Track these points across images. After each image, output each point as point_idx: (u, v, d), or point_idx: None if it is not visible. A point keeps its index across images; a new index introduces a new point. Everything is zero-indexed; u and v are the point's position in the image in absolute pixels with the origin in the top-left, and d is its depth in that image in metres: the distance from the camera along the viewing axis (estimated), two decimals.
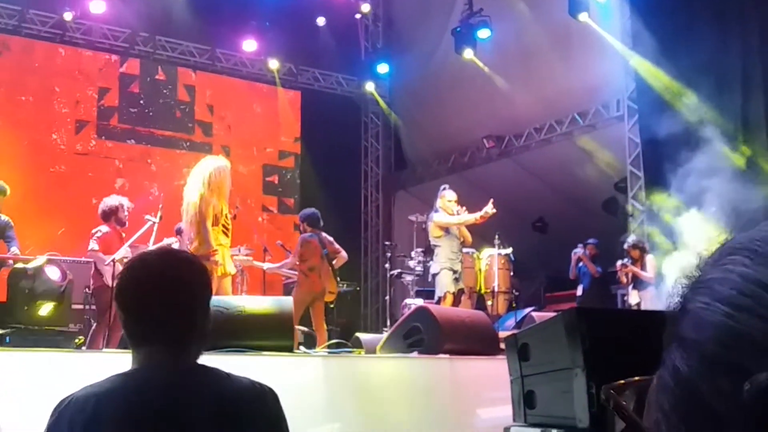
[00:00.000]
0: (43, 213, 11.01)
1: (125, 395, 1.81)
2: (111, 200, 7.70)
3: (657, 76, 9.81)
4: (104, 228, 7.58)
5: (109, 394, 1.80)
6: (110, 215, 7.58)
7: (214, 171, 6.77)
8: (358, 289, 12.28)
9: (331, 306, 8.85)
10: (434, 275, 8.40)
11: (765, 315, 0.55)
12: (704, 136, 8.66)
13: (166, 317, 1.86)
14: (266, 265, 8.85)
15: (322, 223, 8.68)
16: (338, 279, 8.52)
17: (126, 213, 7.56)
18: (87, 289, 7.07)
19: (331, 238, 8.78)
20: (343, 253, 8.58)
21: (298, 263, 8.37)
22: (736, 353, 0.55)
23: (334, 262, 8.46)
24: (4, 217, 7.27)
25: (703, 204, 9.13)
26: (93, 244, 7.41)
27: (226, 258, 6.81)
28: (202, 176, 6.77)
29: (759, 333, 0.55)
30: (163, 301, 1.86)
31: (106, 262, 7.05)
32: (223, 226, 6.84)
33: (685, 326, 0.60)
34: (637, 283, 8.95)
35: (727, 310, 0.57)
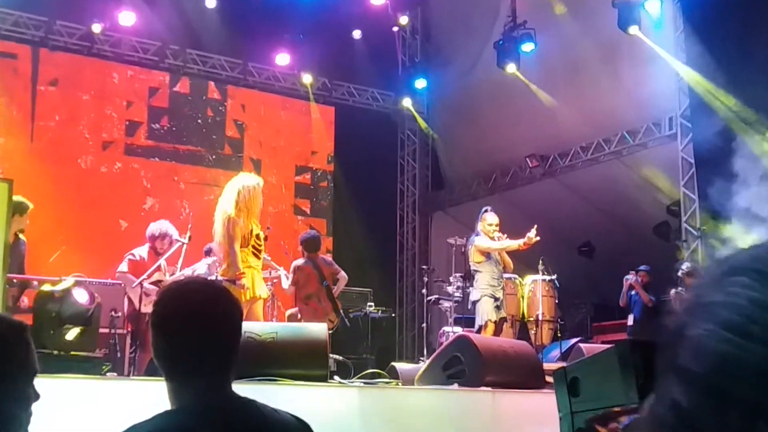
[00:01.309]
0: (71, 235, 11.21)
1: None
2: (159, 226, 7.84)
3: (712, 92, 9.74)
4: (142, 251, 7.74)
5: None
6: (153, 240, 7.75)
7: (243, 189, 6.84)
8: (393, 315, 12.25)
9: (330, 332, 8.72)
10: (474, 302, 8.37)
11: None
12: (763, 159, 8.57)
13: (212, 349, 1.89)
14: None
15: (319, 247, 8.56)
16: (338, 306, 8.29)
17: (166, 245, 7.69)
18: (113, 312, 7.19)
19: (329, 260, 8.69)
20: (343, 274, 8.42)
21: (295, 292, 8.24)
22: (745, 386, 0.52)
23: (334, 287, 8.32)
24: (23, 238, 7.45)
25: (762, 231, 9.01)
26: (123, 266, 7.56)
27: (256, 281, 6.85)
28: (231, 195, 6.85)
29: None
30: (209, 333, 1.90)
31: (134, 284, 7.16)
32: (253, 247, 6.89)
33: (684, 355, 0.57)
34: None
35: (733, 338, 0.54)
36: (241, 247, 6.78)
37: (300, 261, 8.29)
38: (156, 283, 7.26)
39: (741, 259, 0.58)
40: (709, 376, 0.54)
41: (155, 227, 7.91)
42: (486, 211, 8.67)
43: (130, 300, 7.39)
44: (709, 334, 0.55)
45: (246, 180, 7.04)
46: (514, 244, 8.33)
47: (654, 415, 0.59)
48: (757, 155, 8.62)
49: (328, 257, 8.86)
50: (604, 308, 11.36)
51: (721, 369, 0.54)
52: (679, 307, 0.61)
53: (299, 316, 8.13)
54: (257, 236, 6.94)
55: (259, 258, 6.99)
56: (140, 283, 7.04)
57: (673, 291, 8.96)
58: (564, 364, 6.61)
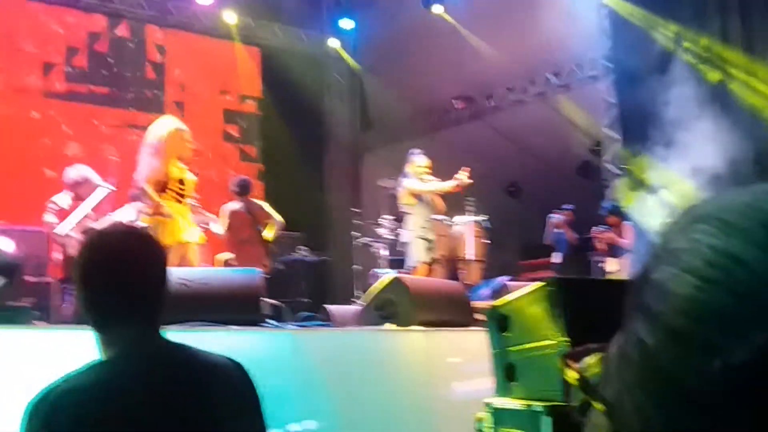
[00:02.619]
0: None
1: (111, 388, 1.82)
2: (78, 171, 7.59)
3: (631, 12, 9.87)
4: (63, 199, 7.49)
5: (94, 389, 1.81)
6: (75, 186, 7.51)
7: (161, 132, 6.71)
8: (326, 258, 12.28)
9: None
10: (405, 244, 8.45)
11: (735, 289, 0.55)
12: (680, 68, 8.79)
13: (137, 297, 1.89)
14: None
15: (251, 191, 8.45)
16: (271, 250, 8.25)
17: (88, 189, 7.47)
18: (40, 260, 7.02)
19: (261, 203, 8.55)
20: (277, 217, 8.32)
21: (229, 236, 8.14)
22: (705, 328, 0.56)
23: (264, 232, 8.23)
24: None
25: (680, 161, 9.32)
26: (47, 216, 7.33)
27: (180, 226, 6.73)
28: (149, 138, 6.72)
29: (729, 308, 0.55)
30: (133, 281, 1.89)
31: (62, 233, 6.98)
32: (176, 192, 6.75)
33: (650, 296, 0.59)
34: (615, 250, 9.11)
35: (696, 282, 0.57)
36: (159, 192, 6.65)
37: (234, 205, 8.20)
38: (85, 231, 7.09)
39: (706, 208, 0.61)
40: (672, 317, 0.57)
41: (74, 173, 7.63)
42: (414, 153, 8.69)
43: (64, 248, 7.18)
44: (672, 278, 0.58)
45: (165, 124, 6.88)
46: (446, 186, 8.39)
47: (621, 352, 0.62)
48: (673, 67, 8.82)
49: (262, 202, 8.76)
50: (531, 247, 11.61)
51: (682, 310, 0.57)
52: (649, 252, 0.63)
53: (234, 261, 8.07)
54: (180, 181, 6.79)
55: (181, 203, 6.84)
56: (67, 232, 6.86)
57: (596, 229, 9.21)
58: (494, 302, 6.76)
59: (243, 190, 8.29)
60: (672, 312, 0.57)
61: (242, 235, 8.11)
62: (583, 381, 1.78)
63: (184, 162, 6.88)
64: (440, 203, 8.66)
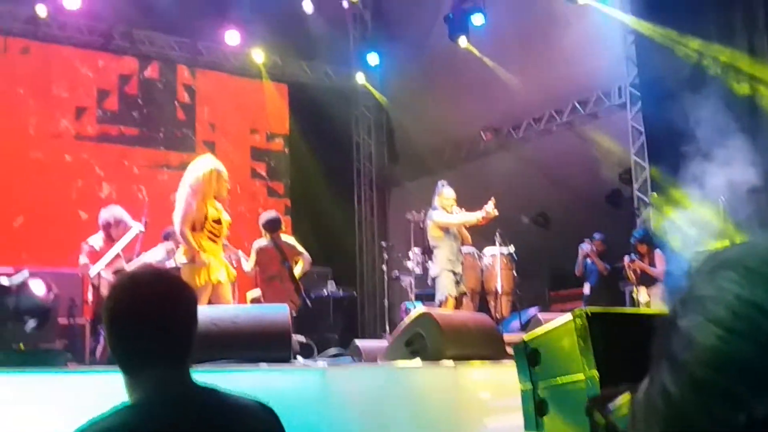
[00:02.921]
0: (30, 228, 10.99)
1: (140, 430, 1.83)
2: (112, 212, 7.73)
3: (675, 39, 9.83)
4: (96, 240, 7.62)
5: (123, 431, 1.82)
6: (108, 227, 7.64)
7: (198, 172, 6.80)
8: (355, 293, 12.28)
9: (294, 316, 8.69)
10: (434, 278, 8.41)
11: (760, 340, 0.55)
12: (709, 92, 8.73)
13: (166, 340, 1.89)
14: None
15: (280, 228, 8.49)
16: (300, 287, 8.21)
17: (121, 231, 7.59)
18: (72, 302, 7.10)
19: (291, 241, 8.61)
20: (306, 255, 8.36)
21: (258, 273, 8.18)
22: (729, 379, 0.55)
23: (295, 269, 8.26)
24: None
25: (710, 189, 9.22)
26: (82, 257, 7.44)
27: (212, 265, 6.80)
28: (186, 179, 6.81)
29: (753, 359, 0.54)
30: (162, 324, 1.89)
31: (92, 275, 7.08)
32: (209, 232, 6.84)
33: (676, 344, 0.59)
34: (646, 279, 8.99)
35: (720, 332, 0.56)
36: (194, 231, 6.73)
37: (262, 242, 8.23)
38: (118, 272, 7.18)
39: (732, 254, 0.61)
40: (696, 367, 0.57)
41: (107, 214, 7.79)
42: (443, 185, 8.68)
43: (96, 289, 7.27)
44: (698, 326, 0.58)
45: (202, 163, 6.98)
46: (473, 218, 8.37)
47: (647, 399, 0.61)
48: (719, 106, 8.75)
49: (290, 238, 8.79)
50: (560, 277, 11.50)
51: (706, 361, 0.56)
52: (675, 298, 0.63)
53: (261, 298, 8.10)
54: (215, 221, 6.87)
55: (216, 242, 6.93)
56: (99, 273, 6.95)
57: (626, 258, 9.11)
58: (524, 334, 6.71)
59: (272, 226, 8.33)
60: (696, 362, 0.57)
61: (271, 271, 8.13)
62: (612, 426, 1.76)
63: (220, 201, 6.98)
64: (467, 236, 8.63)
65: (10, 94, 11.62)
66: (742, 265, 0.59)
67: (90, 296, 7.33)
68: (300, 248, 8.41)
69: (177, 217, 6.77)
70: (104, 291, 7.06)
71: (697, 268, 0.62)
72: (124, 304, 1.92)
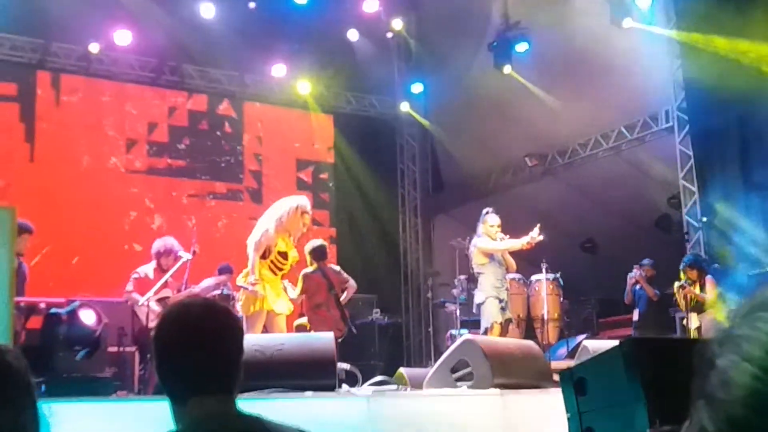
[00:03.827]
0: (86, 260, 11.22)
1: None
2: (164, 242, 7.91)
3: (708, 42, 9.69)
4: (147, 269, 7.77)
5: None
6: (159, 256, 7.80)
7: (284, 207, 7.08)
8: (399, 321, 12.24)
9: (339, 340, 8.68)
10: (479, 305, 8.35)
11: None
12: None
13: (213, 368, 1.90)
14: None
15: (326, 256, 8.56)
16: (347, 315, 8.23)
17: (171, 261, 7.75)
18: (121, 331, 7.21)
19: (337, 269, 8.67)
20: (352, 283, 8.42)
21: (305, 300, 8.25)
22: (764, 418, 0.55)
23: (342, 296, 8.31)
24: (22, 262, 7.50)
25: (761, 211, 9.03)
26: (129, 285, 7.59)
27: (269, 295, 6.93)
28: (273, 209, 7.05)
29: None
30: (209, 352, 1.91)
31: (140, 303, 7.19)
32: (272, 262, 7.04)
33: (713, 383, 0.59)
34: (697, 305, 8.80)
35: (755, 371, 0.56)
36: (260, 257, 6.95)
37: (309, 270, 8.28)
38: (163, 299, 7.29)
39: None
40: (732, 406, 0.57)
41: (160, 244, 7.98)
42: (487, 212, 8.64)
43: (136, 317, 7.41)
44: (734, 366, 0.58)
45: (292, 199, 7.34)
46: (518, 243, 8.30)
47: None
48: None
49: (337, 266, 8.84)
50: (609, 303, 11.33)
51: (742, 400, 0.57)
52: (714, 337, 0.63)
53: (309, 326, 8.13)
54: (281, 253, 7.06)
55: (276, 274, 7.10)
56: (146, 301, 7.07)
57: (677, 284, 8.93)
58: (571, 362, 6.61)
59: (319, 254, 8.37)
60: (733, 401, 0.57)
61: (318, 299, 8.16)
62: None
63: (294, 238, 7.18)
64: (512, 262, 8.56)
65: (63, 130, 11.91)
66: None
67: (139, 325, 7.43)
68: (345, 275, 8.45)
69: (252, 241, 7.08)
70: (152, 320, 7.17)
71: (735, 310, 0.62)
72: (173, 332, 1.94)
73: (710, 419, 0.58)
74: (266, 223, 7.11)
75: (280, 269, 7.09)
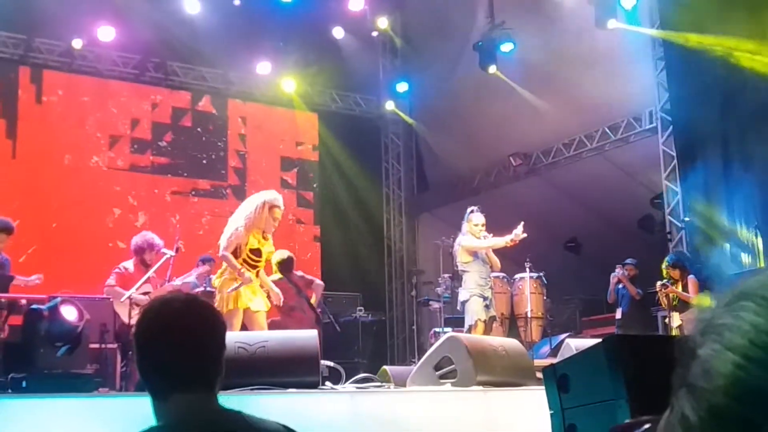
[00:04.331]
0: (68, 256, 11.14)
1: None
2: (144, 238, 7.86)
3: (687, 39, 9.77)
4: (128, 264, 7.73)
5: None
6: (141, 252, 7.75)
7: (251, 203, 7.01)
8: (383, 318, 12.25)
9: None
10: (463, 303, 8.36)
11: None
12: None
13: (194, 364, 1.90)
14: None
15: (293, 269, 8.56)
16: (320, 317, 8.27)
17: (153, 255, 7.71)
18: (103, 328, 7.17)
19: (300, 273, 8.77)
20: (317, 282, 8.51)
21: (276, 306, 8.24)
22: (745, 407, 0.55)
23: (312, 299, 8.39)
24: (5, 255, 7.45)
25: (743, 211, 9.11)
26: (110, 280, 7.54)
27: (245, 293, 6.89)
28: (241, 208, 7.00)
29: None
30: (191, 348, 1.90)
31: (122, 299, 7.14)
32: (245, 260, 6.97)
33: (694, 372, 0.60)
34: (679, 304, 8.87)
35: (738, 360, 0.57)
36: (235, 257, 6.90)
37: (275, 277, 8.25)
38: (146, 294, 7.26)
39: (750, 284, 0.62)
40: (713, 394, 0.57)
41: (139, 239, 7.93)
42: (472, 211, 8.66)
43: (117, 314, 7.36)
44: (715, 354, 0.59)
45: (260, 195, 7.23)
46: (501, 241, 8.32)
47: (667, 427, 0.62)
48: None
49: (300, 272, 8.91)
50: (592, 303, 11.40)
51: (724, 388, 0.57)
52: (695, 327, 0.63)
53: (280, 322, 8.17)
54: (253, 251, 7.00)
55: (252, 271, 7.04)
56: (129, 296, 7.02)
57: (659, 283, 8.99)
58: (554, 360, 6.63)
59: (285, 268, 8.36)
60: (714, 390, 0.57)
61: (290, 303, 8.20)
62: None
63: (264, 235, 7.11)
64: (496, 261, 8.58)
65: (45, 126, 11.82)
66: (760, 295, 0.60)
67: (121, 321, 7.38)
68: (309, 277, 8.54)
69: (223, 240, 7.01)
70: (123, 315, 7.14)
71: (718, 298, 0.63)
72: (154, 328, 1.94)
73: (692, 408, 0.59)
74: (235, 221, 7.03)
75: (254, 266, 7.06)
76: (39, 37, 11.89)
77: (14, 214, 7.75)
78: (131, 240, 8.08)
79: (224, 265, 7.03)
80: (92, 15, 11.53)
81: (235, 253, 6.96)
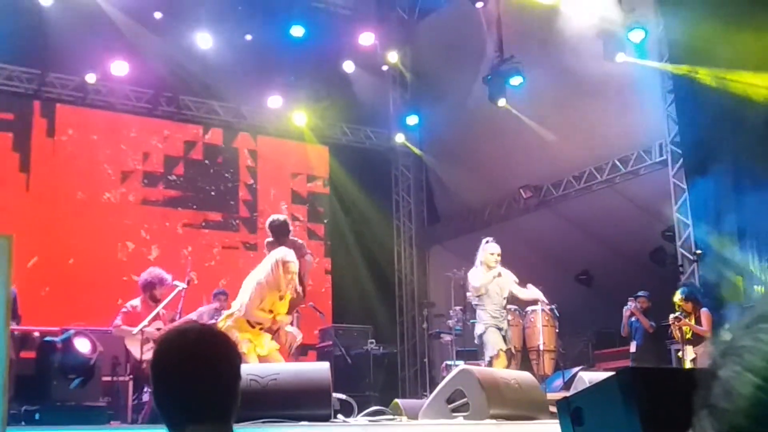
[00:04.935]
0: (86, 291, 11.20)
1: None
2: (152, 273, 7.84)
3: (698, 72, 9.82)
4: (135, 302, 7.72)
5: None
6: (151, 288, 7.74)
7: (269, 266, 6.97)
8: (395, 351, 12.20)
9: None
10: (480, 335, 8.29)
11: None
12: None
13: (211, 395, 1.91)
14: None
15: (288, 232, 8.27)
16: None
17: (164, 289, 7.69)
18: (115, 360, 7.17)
19: (293, 238, 8.46)
20: (308, 257, 8.29)
21: None
22: (766, 428, 0.57)
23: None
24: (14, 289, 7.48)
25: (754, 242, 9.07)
26: (117, 320, 7.52)
27: (250, 347, 6.86)
28: (260, 272, 6.96)
29: None
30: (208, 379, 1.91)
31: (134, 332, 7.14)
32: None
33: (716, 393, 0.61)
34: (693, 337, 8.81)
35: (758, 382, 0.58)
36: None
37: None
38: (159, 330, 7.26)
39: None
40: (735, 415, 0.59)
41: (148, 276, 7.89)
42: (487, 241, 8.62)
43: (128, 351, 7.34)
44: (736, 376, 0.60)
45: (275, 255, 7.11)
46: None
47: None
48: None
49: (294, 238, 8.72)
50: (605, 336, 11.32)
51: (744, 410, 0.58)
52: (716, 349, 0.65)
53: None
54: (273, 303, 7.00)
55: (254, 327, 6.98)
56: (141, 330, 7.02)
57: (672, 316, 8.95)
58: (567, 393, 6.59)
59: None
60: (735, 411, 0.59)
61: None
62: None
63: (281, 296, 7.07)
64: (528, 295, 8.49)
65: (58, 160, 11.93)
66: None
67: (133, 355, 7.38)
68: (300, 242, 8.34)
69: (243, 301, 6.91)
70: (134, 351, 7.11)
71: (737, 322, 0.64)
72: (171, 358, 1.95)
73: (713, 429, 0.60)
74: (257, 282, 6.93)
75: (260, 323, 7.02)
76: (53, 71, 12.05)
77: (29, 248, 7.77)
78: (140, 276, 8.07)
79: (232, 309, 6.96)
80: (106, 50, 11.69)
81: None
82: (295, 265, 7.04)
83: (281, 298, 7.00)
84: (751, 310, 0.64)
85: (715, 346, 0.66)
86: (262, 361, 6.84)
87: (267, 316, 6.91)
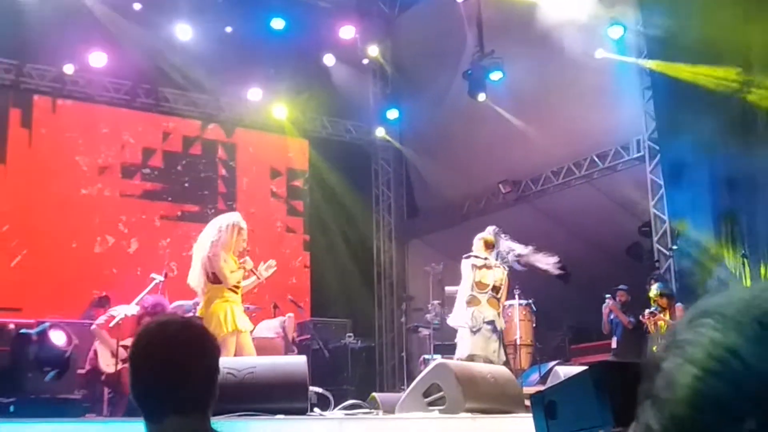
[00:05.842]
0: (66, 281, 11.11)
1: None
2: (161, 305, 7.66)
3: (678, 69, 9.92)
4: (130, 314, 7.52)
5: None
6: (148, 314, 7.60)
7: (220, 227, 6.92)
8: (373, 345, 12.22)
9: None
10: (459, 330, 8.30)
11: (732, 380, 0.60)
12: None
13: (189, 387, 1.92)
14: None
15: None
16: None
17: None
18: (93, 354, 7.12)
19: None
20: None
21: None
22: (705, 415, 0.60)
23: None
24: None
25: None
26: (101, 319, 7.35)
27: (236, 314, 6.86)
28: (208, 233, 6.92)
29: (727, 398, 0.60)
30: (187, 371, 1.92)
31: (110, 325, 7.07)
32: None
33: (658, 384, 0.64)
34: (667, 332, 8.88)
35: (697, 372, 0.61)
36: (214, 283, 6.82)
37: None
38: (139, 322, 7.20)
39: (710, 303, 0.67)
40: (676, 405, 0.62)
41: (159, 306, 7.64)
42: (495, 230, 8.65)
43: (95, 351, 7.16)
44: (677, 368, 0.63)
45: (223, 218, 7.11)
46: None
47: None
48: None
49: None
50: (581, 331, 11.41)
51: (684, 399, 0.61)
52: (661, 343, 0.68)
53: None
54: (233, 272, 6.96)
55: (236, 293, 7.00)
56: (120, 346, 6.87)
57: (647, 312, 9.03)
58: (543, 387, 6.64)
59: None
60: (676, 400, 0.62)
61: None
62: None
63: (239, 255, 7.07)
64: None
65: (36, 151, 11.84)
66: (719, 312, 0.65)
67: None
68: None
69: (198, 270, 6.86)
70: (101, 358, 6.99)
71: (684, 316, 0.68)
72: (150, 351, 1.95)
73: (655, 418, 0.63)
74: (206, 247, 6.88)
75: (237, 286, 7.03)
76: (30, 62, 11.93)
77: (6, 239, 7.72)
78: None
79: (208, 292, 6.92)
80: (84, 41, 11.59)
81: (214, 279, 6.87)
82: (246, 233, 7.06)
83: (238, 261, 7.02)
84: (695, 306, 0.68)
85: (661, 341, 0.69)
86: (238, 340, 6.83)
87: (239, 273, 6.93)
